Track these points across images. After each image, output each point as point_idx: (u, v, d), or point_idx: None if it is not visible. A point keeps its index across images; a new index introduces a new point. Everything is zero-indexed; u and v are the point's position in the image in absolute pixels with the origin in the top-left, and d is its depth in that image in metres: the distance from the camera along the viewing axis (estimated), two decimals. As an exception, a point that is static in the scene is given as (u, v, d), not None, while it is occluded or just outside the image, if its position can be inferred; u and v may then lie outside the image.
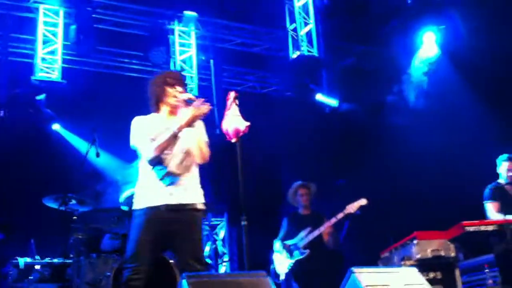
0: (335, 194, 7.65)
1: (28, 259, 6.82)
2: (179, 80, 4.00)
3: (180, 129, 3.75)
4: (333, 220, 6.26)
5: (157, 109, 4.00)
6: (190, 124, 3.77)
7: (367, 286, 3.81)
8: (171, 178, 3.83)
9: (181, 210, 3.82)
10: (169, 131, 3.75)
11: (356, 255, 7.88)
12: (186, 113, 3.77)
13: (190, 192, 3.90)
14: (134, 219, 3.88)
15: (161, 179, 3.83)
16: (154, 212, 3.78)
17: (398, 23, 9.21)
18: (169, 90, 3.92)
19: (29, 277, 6.64)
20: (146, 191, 3.87)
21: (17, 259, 6.76)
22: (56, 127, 8.62)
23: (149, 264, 3.78)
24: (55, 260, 6.82)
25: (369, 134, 9.21)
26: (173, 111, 3.98)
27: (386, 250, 6.30)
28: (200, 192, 4.01)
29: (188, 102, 3.83)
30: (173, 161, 3.85)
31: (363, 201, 6.17)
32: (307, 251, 6.27)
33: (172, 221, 3.79)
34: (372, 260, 6.66)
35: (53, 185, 6.90)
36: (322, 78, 9.64)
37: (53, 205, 6.52)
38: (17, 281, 6.72)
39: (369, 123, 9.33)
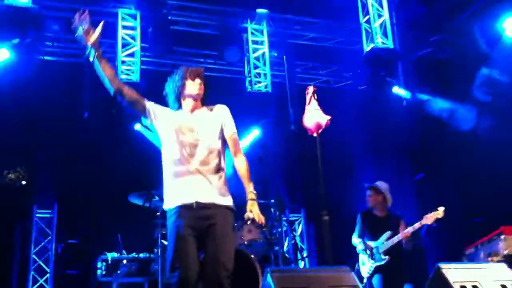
0: (414, 188, 7.52)
1: (116, 254, 7.12)
2: (199, 73, 3.89)
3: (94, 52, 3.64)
4: (410, 230, 6.14)
5: (179, 106, 3.90)
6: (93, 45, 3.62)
7: (455, 282, 3.72)
8: (195, 175, 3.67)
9: (211, 208, 3.63)
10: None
11: (438, 251, 7.71)
12: None
13: (216, 190, 3.69)
14: (168, 220, 3.74)
15: (184, 176, 3.68)
16: (186, 210, 3.63)
17: (475, 9, 8.86)
18: (189, 82, 3.83)
19: (117, 271, 6.92)
20: (174, 190, 3.71)
21: (105, 254, 7.08)
22: (137, 127, 8.89)
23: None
24: (141, 255, 7.09)
25: (447, 127, 8.94)
26: (195, 104, 3.88)
27: (471, 246, 6.12)
28: (227, 190, 3.77)
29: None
30: (195, 159, 3.70)
31: (439, 213, 6.00)
32: (387, 257, 6.20)
33: (204, 218, 3.61)
34: (453, 257, 6.50)
35: (137, 182, 7.13)
36: (398, 70, 9.43)
37: (137, 202, 6.76)
38: (106, 275, 7.04)
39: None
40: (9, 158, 7.43)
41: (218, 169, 3.74)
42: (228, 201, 3.73)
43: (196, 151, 3.70)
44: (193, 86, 3.82)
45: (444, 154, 8.58)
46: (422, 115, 9.16)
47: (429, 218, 5.99)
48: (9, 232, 8.34)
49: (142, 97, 3.84)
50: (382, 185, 6.59)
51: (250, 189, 3.77)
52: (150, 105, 3.84)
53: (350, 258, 6.72)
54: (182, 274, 3.53)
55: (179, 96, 3.86)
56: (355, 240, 6.56)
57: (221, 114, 3.91)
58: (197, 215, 3.60)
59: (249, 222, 3.86)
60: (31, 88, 8.32)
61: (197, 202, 3.61)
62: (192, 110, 3.87)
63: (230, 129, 3.89)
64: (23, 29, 7.84)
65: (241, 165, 3.83)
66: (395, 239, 6.16)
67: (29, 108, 8.39)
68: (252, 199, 3.76)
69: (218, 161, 3.76)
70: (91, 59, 3.61)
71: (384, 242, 6.26)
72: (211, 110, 3.93)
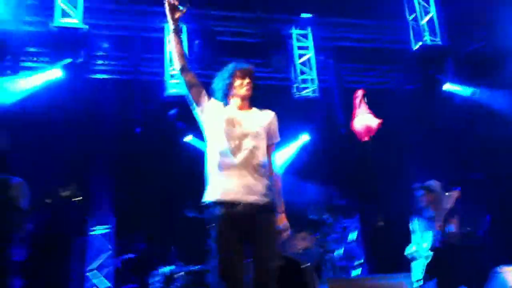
0: (470, 189, 7.24)
1: (171, 267, 7.21)
2: (248, 72, 3.88)
3: (173, 25, 3.79)
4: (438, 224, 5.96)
5: (226, 103, 3.88)
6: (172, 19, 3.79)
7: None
8: (240, 170, 3.63)
9: (255, 207, 3.58)
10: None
11: (498, 252, 7.43)
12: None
13: (260, 188, 3.64)
14: (209, 213, 3.66)
15: (229, 170, 3.63)
16: (229, 207, 3.56)
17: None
18: (237, 82, 3.83)
19: (173, 284, 7.00)
20: (218, 183, 3.65)
21: (161, 267, 7.18)
22: (188, 138, 8.99)
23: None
24: (196, 267, 7.14)
25: (501, 123, 8.63)
26: (243, 103, 3.87)
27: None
28: (271, 190, 3.71)
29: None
30: (242, 152, 3.66)
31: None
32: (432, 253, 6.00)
33: (247, 217, 3.55)
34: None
35: (191, 194, 7.19)
36: (448, 67, 9.18)
37: (192, 213, 6.82)
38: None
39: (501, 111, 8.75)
40: (65, 175, 7.70)
41: (263, 167, 3.71)
42: (270, 201, 3.67)
43: (242, 144, 3.68)
44: (242, 86, 3.82)
45: (500, 152, 8.27)
46: (476, 112, 8.88)
47: (450, 202, 5.84)
48: (68, 248, 8.58)
49: (201, 85, 3.88)
50: (434, 183, 6.42)
51: (281, 201, 3.79)
52: (205, 93, 3.87)
53: (406, 264, 6.57)
54: (229, 285, 3.50)
55: (227, 94, 3.86)
56: (409, 248, 6.38)
57: (270, 119, 3.90)
58: (240, 212, 3.55)
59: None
60: (83, 106, 8.56)
61: (240, 200, 3.57)
62: (240, 108, 3.86)
63: (274, 138, 3.89)
64: (74, 49, 8.06)
65: (275, 176, 3.86)
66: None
67: (83, 125, 8.64)
68: (283, 212, 3.77)
69: (263, 159, 3.73)
70: (170, 32, 3.80)
71: (433, 237, 6.08)
72: (260, 112, 3.92)
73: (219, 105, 3.85)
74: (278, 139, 3.92)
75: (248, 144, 3.69)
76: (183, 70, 3.86)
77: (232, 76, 3.84)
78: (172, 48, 3.88)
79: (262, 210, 3.60)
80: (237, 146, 3.67)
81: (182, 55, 3.86)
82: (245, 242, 3.57)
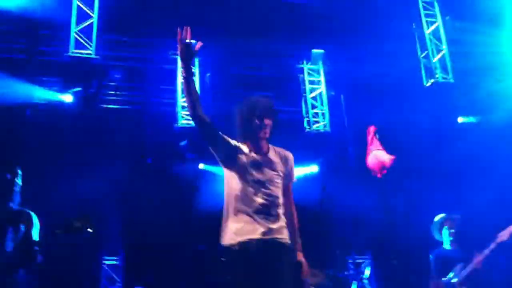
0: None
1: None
2: (269, 110, 3.70)
3: (184, 70, 3.50)
4: (486, 252, 5.79)
5: (243, 141, 3.74)
6: (185, 62, 3.50)
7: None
8: (258, 214, 3.55)
9: (273, 246, 3.52)
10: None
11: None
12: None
13: (277, 227, 3.59)
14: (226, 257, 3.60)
15: (248, 214, 3.55)
16: (247, 247, 3.49)
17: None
18: (256, 122, 3.65)
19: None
20: (236, 226, 3.58)
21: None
22: (201, 166, 8.96)
23: None
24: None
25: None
26: (263, 144, 3.73)
27: None
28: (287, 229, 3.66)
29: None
30: (257, 202, 3.56)
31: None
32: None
33: (266, 256, 3.48)
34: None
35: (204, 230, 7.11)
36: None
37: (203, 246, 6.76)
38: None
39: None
40: (75, 206, 7.66)
41: (280, 211, 3.66)
42: (287, 239, 3.60)
43: (262, 190, 3.59)
44: (262, 127, 3.65)
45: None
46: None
47: (504, 235, 5.66)
48: (78, 279, 8.49)
49: (217, 129, 3.64)
50: (458, 216, 6.32)
51: (299, 240, 3.76)
52: (223, 137, 3.66)
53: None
54: None
55: (246, 135, 3.72)
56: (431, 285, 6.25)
57: (289, 162, 3.83)
58: (259, 251, 3.47)
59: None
60: (94, 136, 8.57)
61: (259, 239, 3.49)
62: (259, 151, 3.72)
63: (291, 179, 3.84)
64: (86, 79, 8.13)
65: (293, 215, 3.80)
66: (469, 268, 5.82)
67: (93, 155, 8.62)
68: (301, 251, 3.75)
69: (280, 203, 3.67)
70: (183, 76, 3.53)
71: (457, 274, 5.94)
72: (278, 153, 3.81)
73: (238, 147, 3.70)
74: (295, 180, 3.87)
75: (267, 189, 3.61)
76: (199, 119, 3.56)
77: (252, 116, 3.66)
78: (189, 93, 3.54)
79: (280, 249, 3.55)
80: (256, 191, 3.59)
81: (198, 103, 3.55)
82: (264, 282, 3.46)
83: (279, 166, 3.74)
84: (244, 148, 3.71)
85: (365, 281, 9.21)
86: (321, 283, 6.52)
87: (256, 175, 3.62)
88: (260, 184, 3.60)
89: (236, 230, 3.55)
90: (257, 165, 3.65)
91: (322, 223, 8.39)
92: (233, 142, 3.69)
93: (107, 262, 8.78)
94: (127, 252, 8.76)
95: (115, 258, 8.79)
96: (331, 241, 7.16)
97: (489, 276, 5.89)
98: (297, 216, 3.81)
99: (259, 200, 3.57)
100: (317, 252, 7.42)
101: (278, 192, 3.67)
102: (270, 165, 3.71)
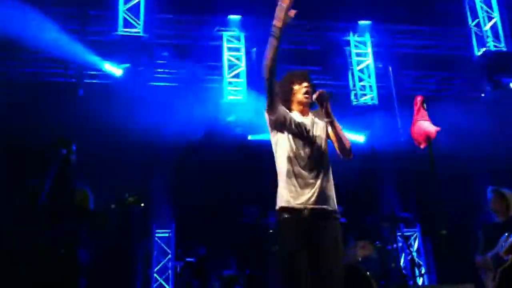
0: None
1: (230, 271, 7.27)
2: (305, 77, 3.84)
3: (277, 29, 3.52)
4: None
5: (289, 110, 3.85)
6: (282, 22, 3.49)
7: None
8: (309, 178, 3.63)
9: (323, 215, 3.60)
10: (270, 37, 3.55)
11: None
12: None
13: (328, 195, 3.66)
14: (278, 221, 3.68)
15: (298, 177, 3.64)
16: (298, 214, 3.57)
17: None
18: (296, 87, 3.83)
19: (232, 288, 7.05)
20: (287, 190, 3.65)
21: (220, 271, 7.25)
22: (249, 137, 9.07)
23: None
24: (255, 272, 7.17)
25: None
26: (304, 109, 3.85)
27: None
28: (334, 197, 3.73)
29: (323, 98, 3.65)
30: (310, 159, 3.66)
31: None
32: (510, 256, 5.74)
33: (316, 225, 3.56)
34: None
35: (251, 199, 7.24)
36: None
37: (251, 217, 6.87)
38: (222, 292, 7.19)
39: None
40: (129, 181, 7.89)
41: (329, 173, 3.73)
42: (336, 209, 3.68)
43: (310, 152, 3.69)
44: (300, 92, 3.80)
45: None
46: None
47: None
48: (132, 252, 8.79)
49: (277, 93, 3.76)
50: (506, 190, 6.18)
51: None
52: (279, 100, 3.78)
53: (473, 274, 6.34)
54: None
55: (288, 100, 3.84)
56: (477, 261, 6.16)
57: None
58: (308, 219, 3.56)
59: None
60: (144, 113, 8.74)
61: (309, 207, 3.57)
62: (303, 114, 3.84)
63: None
64: (135, 57, 8.28)
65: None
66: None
67: (144, 131, 8.80)
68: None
69: (329, 165, 3.75)
70: (275, 36, 3.56)
71: (503, 243, 5.82)
72: (317, 117, 3.87)
73: (288, 112, 3.81)
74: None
75: (316, 151, 3.71)
76: (273, 74, 3.63)
77: (290, 83, 3.83)
78: (271, 52, 3.59)
79: (330, 218, 3.61)
80: (307, 153, 3.69)
81: (276, 61, 3.62)
82: (310, 250, 3.54)
83: (324, 129, 3.80)
84: (291, 113, 3.81)
85: (414, 254, 9.18)
86: (370, 255, 6.54)
87: (307, 137, 3.72)
88: (311, 146, 3.70)
89: (287, 194, 3.63)
90: (306, 127, 3.74)
91: (368, 193, 8.41)
92: (284, 108, 3.79)
93: (158, 235, 9.03)
94: (178, 225, 8.99)
95: (167, 231, 9.02)
96: (379, 213, 7.12)
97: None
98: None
99: (311, 163, 3.65)
100: (365, 225, 7.48)
101: (326, 154, 3.76)
102: (317, 127, 3.78)
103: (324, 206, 3.60)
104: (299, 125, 3.74)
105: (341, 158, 3.83)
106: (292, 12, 3.53)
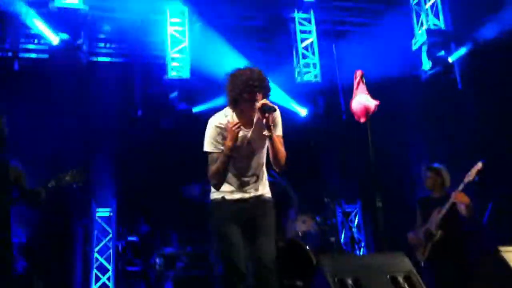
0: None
1: (173, 249, 7.24)
2: (260, 85, 3.78)
3: (228, 151, 3.74)
4: (460, 188, 5.82)
5: (233, 108, 3.90)
6: (234, 143, 3.74)
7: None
8: (240, 182, 3.93)
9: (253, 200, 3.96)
10: (220, 156, 3.77)
11: (501, 236, 7.37)
12: (229, 131, 3.76)
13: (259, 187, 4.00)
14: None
15: (232, 181, 3.93)
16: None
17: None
18: (246, 95, 3.75)
19: (175, 265, 7.03)
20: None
21: (162, 249, 7.20)
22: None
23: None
24: (197, 249, 7.17)
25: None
26: (248, 117, 3.88)
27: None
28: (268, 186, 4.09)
29: (265, 110, 3.70)
30: (245, 175, 3.94)
31: (478, 165, 5.70)
32: (440, 231, 5.93)
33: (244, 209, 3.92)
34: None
35: (192, 176, 7.18)
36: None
37: (192, 195, 6.83)
38: (164, 270, 7.16)
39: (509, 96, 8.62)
40: (66, 159, 7.68)
41: (264, 173, 4.09)
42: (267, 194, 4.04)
43: (251, 165, 3.97)
44: (247, 103, 3.78)
45: (505, 135, 8.20)
46: (481, 98, 8.80)
47: (471, 175, 5.73)
48: (71, 231, 8.61)
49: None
50: (441, 166, 6.35)
51: None
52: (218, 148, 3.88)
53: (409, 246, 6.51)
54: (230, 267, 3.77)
55: (236, 104, 3.85)
56: (409, 236, 6.33)
57: (274, 119, 3.88)
58: (241, 206, 3.92)
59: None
60: (83, 89, 8.52)
61: (239, 197, 3.96)
62: (247, 124, 3.89)
63: (277, 131, 3.94)
64: (74, 30, 8.01)
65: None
66: (444, 209, 5.88)
67: (83, 108, 8.59)
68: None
69: (264, 167, 4.08)
70: (226, 155, 3.77)
71: (434, 218, 6.00)
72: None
73: (219, 128, 3.89)
74: (280, 133, 3.96)
75: (254, 163, 3.95)
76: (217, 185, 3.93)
77: (240, 90, 3.77)
78: (223, 173, 3.83)
79: (258, 200, 3.96)
80: (245, 165, 3.93)
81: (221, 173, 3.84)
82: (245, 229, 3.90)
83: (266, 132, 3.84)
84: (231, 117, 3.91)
85: (354, 229, 9.37)
86: (310, 230, 6.62)
87: (245, 150, 3.90)
88: (249, 159, 3.93)
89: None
90: (246, 140, 3.89)
91: (310, 170, 8.50)
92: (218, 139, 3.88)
93: (99, 214, 8.85)
94: (120, 204, 8.83)
95: (108, 209, 8.86)
96: (320, 189, 7.21)
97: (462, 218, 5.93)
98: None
99: (249, 173, 3.96)
100: (306, 200, 7.56)
101: (264, 159, 4.01)
102: (258, 135, 3.89)
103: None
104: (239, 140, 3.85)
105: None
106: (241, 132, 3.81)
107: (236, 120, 3.84)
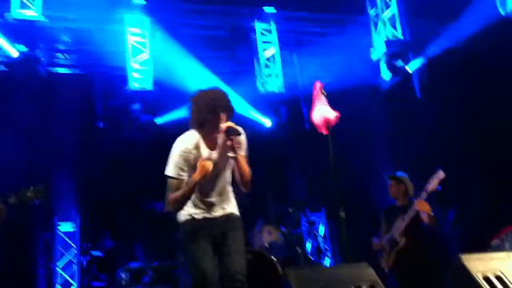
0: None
1: (138, 263, 7.15)
2: (224, 105, 3.81)
3: (194, 185, 3.70)
4: (418, 202, 5.93)
5: (198, 130, 3.88)
6: (202, 180, 3.70)
7: (477, 272, 3.63)
8: (207, 203, 3.91)
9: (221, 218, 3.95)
10: (184, 186, 3.71)
11: (462, 244, 7.54)
12: (200, 167, 3.68)
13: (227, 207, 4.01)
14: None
15: (198, 203, 3.90)
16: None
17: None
18: (211, 117, 3.77)
19: (140, 280, 6.95)
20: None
21: (128, 264, 7.11)
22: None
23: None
24: (162, 263, 7.11)
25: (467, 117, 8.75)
26: (213, 138, 3.86)
27: (496, 236, 5.96)
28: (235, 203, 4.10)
29: (230, 133, 3.72)
30: (211, 195, 3.92)
31: (440, 174, 5.83)
32: (404, 239, 6.03)
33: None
34: (479, 249, 6.33)
35: (157, 190, 7.10)
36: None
37: (156, 208, 6.77)
38: (130, 285, 7.06)
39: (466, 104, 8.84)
40: (27, 174, 7.52)
41: (230, 191, 4.10)
42: (235, 212, 4.05)
43: (216, 185, 3.95)
44: (213, 125, 3.78)
45: (464, 144, 8.44)
46: (437, 105, 9.02)
47: (433, 183, 5.82)
48: (33, 246, 8.41)
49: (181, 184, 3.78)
50: (403, 175, 6.45)
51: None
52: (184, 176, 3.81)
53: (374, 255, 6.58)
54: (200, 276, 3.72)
55: (202, 125, 3.83)
56: (373, 243, 6.41)
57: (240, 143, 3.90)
58: (209, 224, 3.91)
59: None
60: (42, 101, 8.36)
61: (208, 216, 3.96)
62: (212, 145, 3.87)
63: (244, 152, 3.95)
64: (32, 42, 7.85)
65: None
66: (407, 217, 5.96)
67: (43, 120, 8.43)
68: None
69: (230, 185, 4.08)
70: (192, 186, 3.70)
71: (398, 226, 6.09)
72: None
73: (184, 151, 3.81)
74: (245, 153, 3.95)
75: (220, 183, 3.94)
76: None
77: (206, 111, 3.77)
78: (188, 196, 3.77)
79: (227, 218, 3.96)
80: (210, 186, 3.89)
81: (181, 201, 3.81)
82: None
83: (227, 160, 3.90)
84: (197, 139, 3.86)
85: (320, 239, 9.41)
86: (276, 241, 6.64)
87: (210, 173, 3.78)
88: (215, 180, 3.90)
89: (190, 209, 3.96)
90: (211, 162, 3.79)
91: (274, 180, 8.54)
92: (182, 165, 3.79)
93: (62, 229, 8.67)
94: (83, 218, 8.67)
95: (72, 224, 8.68)
96: (285, 199, 7.25)
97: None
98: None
99: (214, 194, 3.94)
100: (270, 210, 7.59)
101: (229, 178, 4.01)
102: (223, 158, 3.88)
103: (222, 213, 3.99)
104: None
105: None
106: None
107: (202, 142, 3.84)
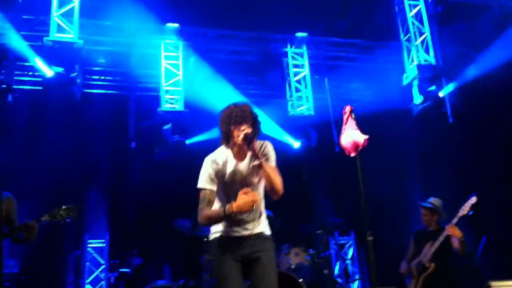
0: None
1: (164, 281, 7.18)
2: (245, 116, 3.78)
3: (229, 213, 3.64)
4: (454, 221, 5.83)
5: (227, 145, 3.87)
6: (239, 211, 3.65)
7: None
8: (237, 220, 3.82)
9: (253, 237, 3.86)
10: (221, 211, 3.68)
11: (493, 271, 7.36)
12: (241, 199, 3.62)
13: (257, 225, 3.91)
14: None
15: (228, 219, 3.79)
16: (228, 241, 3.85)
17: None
18: (234, 130, 3.77)
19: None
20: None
21: (154, 281, 7.15)
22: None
23: None
24: (189, 282, 7.12)
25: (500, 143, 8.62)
26: (241, 151, 3.84)
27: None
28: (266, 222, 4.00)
29: (247, 138, 3.70)
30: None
31: (473, 199, 5.73)
32: (433, 264, 5.93)
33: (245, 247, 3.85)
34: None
35: (185, 210, 7.17)
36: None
37: (185, 229, 6.81)
38: (156, 302, 7.09)
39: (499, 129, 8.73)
40: (61, 191, 7.69)
41: (260, 206, 3.96)
42: (265, 230, 3.93)
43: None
44: (236, 135, 3.76)
45: (498, 171, 8.28)
46: (472, 131, 8.90)
47: (465, 209, 5.74)
48: (64, 263, 8.54)
49: (213, 195, 3.82)
50: (436, 202, 6.34)
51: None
52: (214, 191, 3.82)
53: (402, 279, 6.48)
54: None
55: (228, 140, 3.83)
56: (401, 268, 6.31)
57: (266, 153, 3.88)
58: (239, 243, 3.84)
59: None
60: (78, 121, 8.57)
61: (236, 235, 3.88)
62: (240, 156, 3.86)
63: (271, 162, 3.89)
64: (68, 63, 8.05)
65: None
66: (437, 242, 5.88)
67: (77, 140, 8.62)
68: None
69: (261, 200, 3.96)
70: (225, 215, 3.68)
71: (426, 252, 5.99)
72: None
73: (215, 166, 3.83)
74: (274, 164, 3.89)
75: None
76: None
77: (228, 124, 3.79)
78: (212, 222, 3.84)
79: (258, 238, 3.87)
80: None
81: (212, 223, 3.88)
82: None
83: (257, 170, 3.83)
84: (225, 152, 3.87)
85: (348, 262, 9.32)
86: (303, 263, 6.60)
87: (238, 183, 3.80)
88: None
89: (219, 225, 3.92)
90: (238, 173, 3.82)
91: (303, 203, 8.51)
92: (213, 176, 3.81)
93: (92, 246, 8.81)
94: (112, 236, 8.80)
95: (101, 241, 8.81)
96: (313, 221, 7.22)
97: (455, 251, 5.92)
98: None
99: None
100: (299, 233, 7.56)
101: (260, 191, 3.89)
102: (251, 169, 3.84)
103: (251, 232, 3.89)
104: (231, 173, 3.81)
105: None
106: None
107: (230, 157, 3.84)
